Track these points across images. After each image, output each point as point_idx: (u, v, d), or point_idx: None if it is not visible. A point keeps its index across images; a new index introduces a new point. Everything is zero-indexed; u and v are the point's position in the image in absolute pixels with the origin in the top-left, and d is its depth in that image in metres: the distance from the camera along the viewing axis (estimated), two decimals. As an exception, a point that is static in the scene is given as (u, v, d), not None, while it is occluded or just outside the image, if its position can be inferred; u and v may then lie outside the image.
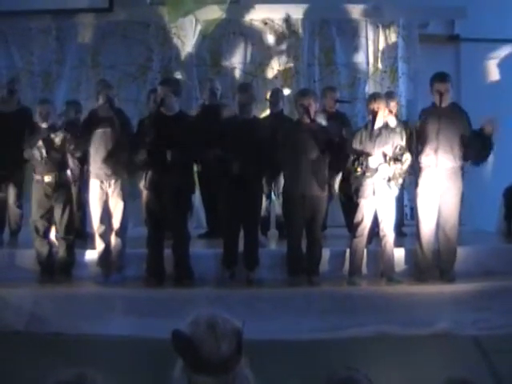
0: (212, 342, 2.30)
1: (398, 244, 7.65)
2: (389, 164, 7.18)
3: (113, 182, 7.41)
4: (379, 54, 10.49)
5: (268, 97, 8.85)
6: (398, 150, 7.24)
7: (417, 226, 7.46)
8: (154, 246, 7.33)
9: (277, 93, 8.86)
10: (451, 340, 6.73)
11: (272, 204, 8.51)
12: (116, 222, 7.44)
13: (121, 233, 7.49)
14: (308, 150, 7.24)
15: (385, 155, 7.22)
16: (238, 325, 2.41)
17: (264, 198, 8.22)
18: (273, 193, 8.41)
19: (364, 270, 7.59)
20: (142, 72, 10.13)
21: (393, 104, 8.37)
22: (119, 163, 7.37)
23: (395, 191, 7.29)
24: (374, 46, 10.52)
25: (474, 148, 7.21)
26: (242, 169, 7.08)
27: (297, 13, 10.33)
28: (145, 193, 7.39)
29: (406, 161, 7.20)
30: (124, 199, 7.48)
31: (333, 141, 7.35)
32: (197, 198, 8.80)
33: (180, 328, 2.34)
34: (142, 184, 7.42)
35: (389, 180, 7.20)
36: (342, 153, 7.38)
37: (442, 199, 7.30)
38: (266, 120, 8.42)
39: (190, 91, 10.01)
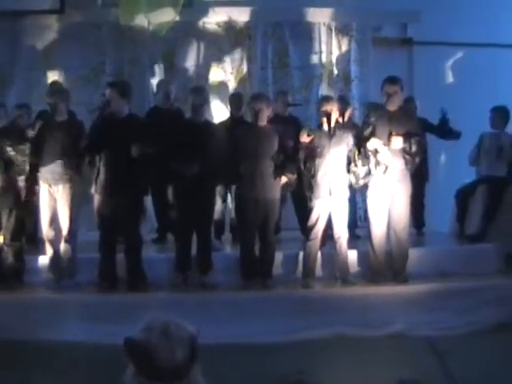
0: (166, 349, 2.27)
1: (351, 246, 7.68)
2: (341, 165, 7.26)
3: (61, 186, 7.30)
4: (333, 57, 10.54)
5: (228, 101, 8.84)
6: (351, 152, 7.30)
7: (369, 228, 7.52)
8: (106, 251, 7.24)
9: (238, 97, 8.85)
10: (405, 341, 6.78)
11: (227, 207, 8.49)
12: (64, 228, 7.34)
13: (70, 238, 7.37)
14: (260, 153, 7.23)
15: (337, 156, 7.28)
16: (193, 330, 2.38)
17: (220, 202, 8.22)
18: (229, 196, 8.40)
19: (318, 272, 7.60)
20: (95, 75, 10.02)
21: (346, 107, 8.43)
22: (68, 167, 7.27)
23: (348, 193, 7.36)
24: (327, 49, 10.56)
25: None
26: (193, 172, 7.04)
27: (250, 15, 10.33)
28: (96, 197, 7.29)
29: (359, 163, 7.26)
30: (73, 204, 7.36)
31: (285, 144, 7.36)
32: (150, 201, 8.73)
33: (133, 334, 2.31)
34: (93, 189, 7.32)
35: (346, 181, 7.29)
36: (295, 156, 7.40)
37: (392, 201, 7.37)
38: (224, 124, 8.40)
39: (144, 94, 9.94)
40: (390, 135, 7.22)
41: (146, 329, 2.32)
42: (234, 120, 8.50)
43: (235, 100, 8.81)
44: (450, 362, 6.17)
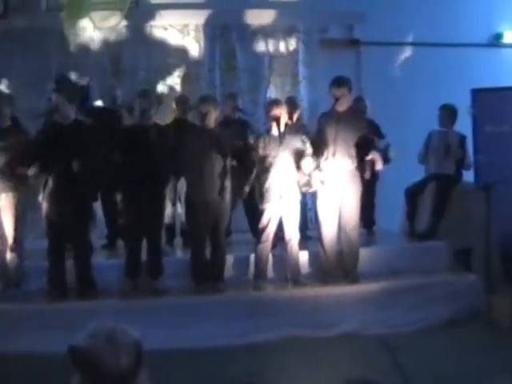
0: (111, 355, 2.24)
1: (302, 247, 7.70)
2: (292, 168, 7.27)
3: (3, 195, 7.19)
4: (280, 59, 10.56)
5: (174, 103, 8.79)
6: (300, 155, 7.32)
7: (319, 228, 7.56)
8: (54, 258, 7.13)
9: (184, 99, 8.81)
10: (357, 340, 6.82)
11: (177, 211, 8.44)
12: (9, 237, 7.22)
13: (15, 247, 7.25)
14: (209, 156, 7.20)
15: (287, 159, 7.28)
16: (138, 336, 2.36)
17: (169, 206, 8.17)
18: (178, 200, 8.35)
19: (269, 274, 7.59)
20: (40, 80, 9.87)
21: (294, 109, 8.46)
22: (11, 176, 7.16)
23: (299, 195, 7.37)
24: (274, 51, 10.59)
25: None
26: (142, 176, 6.99)
27: (197, 18, 10.31)
28: (44, 204, 7.18)
29: (309, 164, 7.28)
30: (18, 213, 7.23)
31: (235, 147, 7.35)
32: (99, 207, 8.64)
33: (77, 342, 2.28)
34: (40, 196, 7.20)
35: (295, 184, 7.29)
36: (247, 159, 7.39)
37: (342, 201, 7.41)
38: (170, 126, 8.35)
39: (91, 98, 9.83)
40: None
41: (91, 336, 2.29)
42: (180, 122, 8.45)
43: (181, 102, 8.75)
44: (401, 359, 6.22)
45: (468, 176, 9.14)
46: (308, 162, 7.28)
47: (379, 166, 7.64)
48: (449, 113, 8.83)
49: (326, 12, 10.67)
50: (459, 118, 8.98)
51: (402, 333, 6.93)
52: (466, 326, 7.18)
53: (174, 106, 8.74)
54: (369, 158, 7.61)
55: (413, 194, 8.87)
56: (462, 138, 8.89)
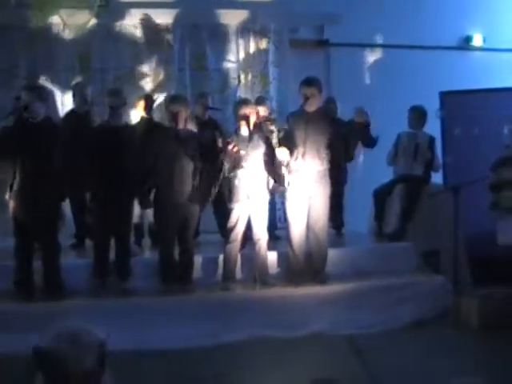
0: (75, 356, 2.24)
1: (271, 247, 7.70)
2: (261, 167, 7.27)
3: None
4: (250, 59, 10.56)
5: (140, 102, 8.74)
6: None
7: (287, 229, 7.55)
8: (22, 258, 7.03)
9: (150, 99, 8.76)
10: (325, 340, 6.81)
11: (145, 211, 8.39)
12: None
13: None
14: (178, 157, 7.17)
15: (256, 159, 7.28)
16: (102, 336, 2.34)
17: (137, 206, 8.11)
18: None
19: (238, 274, 7.58)
20: (8, 78, 9.78)
21: (264, 109, 8.47)
22: None
23: (267, 196, 7.37)
24: (245, 51, 10.59)
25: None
26: (111, 176, 6.95)
27: (167, 18, 10.27)
28: (11, 203, 7.10)
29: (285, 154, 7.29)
30: None
31: (205, 148, 7.32)
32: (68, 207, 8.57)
33: (41, 343, 2.26)
34: (7, 195, 7.12)
35: (263, 184, 7.29)
36: (216, 160, 7.37)
37: (310, 202, 7.41)
38: (136, 126, 8.30)
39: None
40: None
41: (54, 337, 2.28)
42: (148, 122, 8.40)
43: (147, 101, 8.70)
44: (369, 360, 6.24)
45: (437, 178, 9.21)
46: (283, 152, 7.26)
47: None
48: (418, 114, 8.89)
49: (296, 13, 10.72)
50: (428, 120, 9.04)
51: (370, 333, 6.94)
52: (434, 327, 7.22)
53: (140, 105, 8.68)
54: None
55: (381, 196, 8.91)
56: (431, 140, 8.95)
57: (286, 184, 7.37)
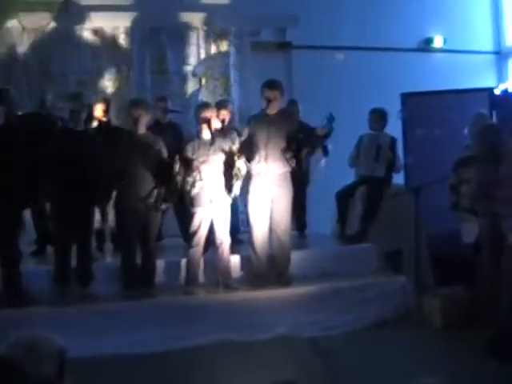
0: (33, 364, 2.22)
1: (234, 251, 7.69)
2: (222, 171, 7.25)
3: None
4: (211, 62, 10.54)
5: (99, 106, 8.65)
6: (232, 157, 7.31)
7: (250, 232, 7.54)
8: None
9: (107, 102, 8.69)
10: (289, 343, 6.78)
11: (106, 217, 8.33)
12: None
13: None
14: (140, 161, 7.13)
15: (218, 162, 7.27)
16: (60, 344, 2.32)
17: (98, 211, 8.05)
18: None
19: (201, 278, 7.56)
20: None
21: (225, 112, 8.47)
22: None
23: (229, 199, 7.35)
24: (206, 53, 10.58)
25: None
26: (72, 181, 6.88)
27: (127, 20, 10.22)
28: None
29: (240, 168, 7.28)
30: None
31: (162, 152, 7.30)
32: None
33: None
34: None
35: (223, 187, 7.27)
36: (177, 163, 7.34)
37: (273, 205, 7.42)
38: (97, 130, 8.22)
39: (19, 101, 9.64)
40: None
41: (12, 345, 2.27)
42: (107, 126, 8.33)
43: (105, 105, 8.62)
44: (333, 362, 6.25)
45: (398, 178, 9.28)
46: (242, 165, 7.28)
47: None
48: (379, 116, 8.95)
49: (257, 15, 10.72)
50: (390, 121, 9.10)
51: (333, 335, 6.96)
52: (397, 327, 7.25)
53: (98, 109, 8.60)
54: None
55: (343, 197, 8.95)
56: (393, 141, 9.01)
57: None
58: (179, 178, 7.27)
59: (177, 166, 7.30)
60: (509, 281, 6.00)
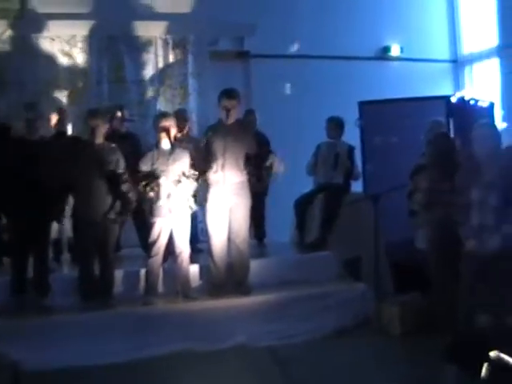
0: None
1: (193, 260, 7.65)
2: (181, 182, 7.22)
3: None
4: (170, 71, 10.50)
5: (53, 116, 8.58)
6: (190, 167, 7.29)
7: (208, 241, 7.53)
8: None
9: (64, 112, 8.62)
10: (248, 352, 6.78)
11: (64, 226, 8.24)
12: None
13: None
14: (97, 171, 7.06)
15: (180, 173, 7.23)
16: (13, 358, 2.28)
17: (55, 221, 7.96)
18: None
19: (160, 288, 7.51)
20: None
21: (184, 121, 8.45)
22: None
23: (188, 209, 7.32)
24: (164, 62, 10.54)
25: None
26: (28, 191, 6.80)
27: (84, 29, 10.14)
28: None
29: (197, 178, 7.28)
30: None
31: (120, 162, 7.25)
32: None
33: None
34: None
35: (182, 197, 7.24)
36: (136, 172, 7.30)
37: (231, 214, 7.41)
38: (52, 140, 8.14)
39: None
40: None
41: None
42: (63, 136, 8.26)
43: (61, 115, 8.55)
44: (292, 370, 6.24)
45: (357, 186, 9.32)
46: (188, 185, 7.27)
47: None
48: (335, 124, 9.01)
49: (215, 24, 10.72)
50: (348, 129, 9.15)
51: (293, 344, 6.94)
52: (357, 335, 7.27)
53: (54, 118, 8.52)
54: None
55: (302, 205, 8.97)
56: (351, 149, 9.06)
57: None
58: (140, 189, 7.22)
59: (135, 177, 7.26)
60: (466, 287, 6.04)
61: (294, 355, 6.64)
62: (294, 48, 11.40)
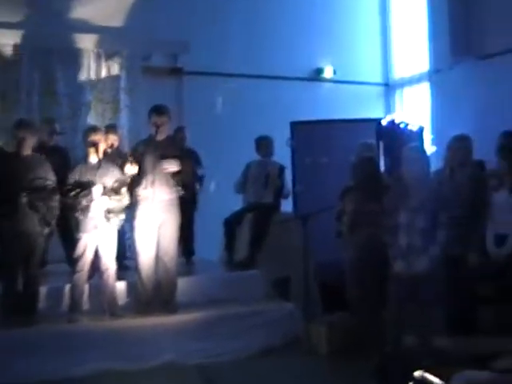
0: None
1: (120, 277, 7.54)
2: (108, 197, 7.12)
3: None
4: (102, 85, 10.40)
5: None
6: (117, 183, 7.20)
7: (136, 258, 7.43)
8: None
9: None
10: (176, 371, 6.71)
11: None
12: None
13: None
14: (23, 184, 6.91)
15: (104, 187, 7.14)
16: None
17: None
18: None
19: (86, 305, 7.37)
20: None
21: (114, 136, 8.39)
22: None
23: (115, 225, 7.22)
24: (96, 76, 10.43)
25: None
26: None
27: (15, 39, 9.94)
28: None
29: (125, 194, 7.20)
30: None
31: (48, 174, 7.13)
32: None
33: None
34: None
35: (108, 213, 7.14)
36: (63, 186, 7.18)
37: (159, 231, 7.34)
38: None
39: None
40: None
41: None
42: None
43: None
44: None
45: (287, 206, 9.34)
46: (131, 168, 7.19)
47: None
48: (265, 144, 9.10)
49: (149, 39, 10.70)
50: (279, 149, 9.19)
51: (220, 362, 6.91)
52: (285, 354, 7.26)
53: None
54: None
55: (231, 224, 8.97)
56: (281, 169, 9.11)
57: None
58: (70, 199, 7.10)
59: (63, 190, 7.14)
60: (394, 308, 6.10)
61: (222, 374, 6.62)
62: (228, 66, 11.38)
